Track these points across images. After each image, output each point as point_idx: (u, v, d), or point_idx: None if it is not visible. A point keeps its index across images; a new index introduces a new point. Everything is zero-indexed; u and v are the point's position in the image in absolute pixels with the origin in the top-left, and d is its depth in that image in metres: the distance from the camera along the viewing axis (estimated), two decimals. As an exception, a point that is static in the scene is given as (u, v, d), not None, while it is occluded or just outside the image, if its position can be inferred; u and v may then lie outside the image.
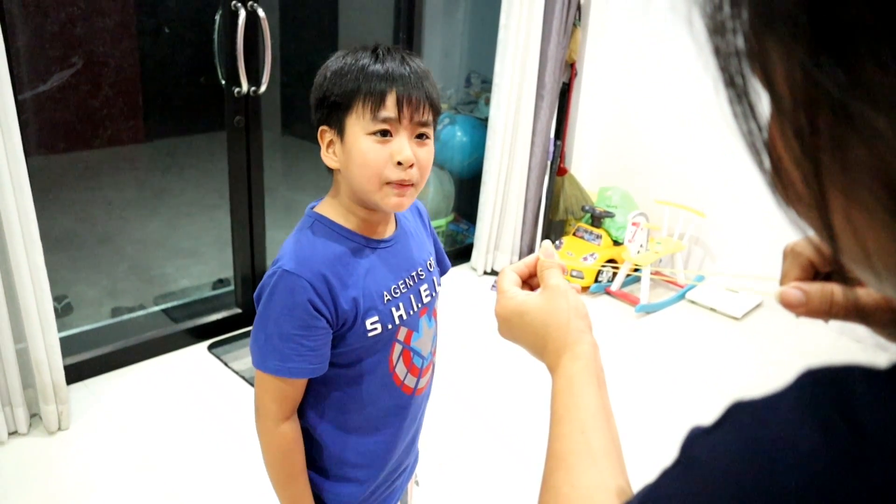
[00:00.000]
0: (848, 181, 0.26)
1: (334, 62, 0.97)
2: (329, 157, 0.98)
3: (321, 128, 0.98)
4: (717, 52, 0.28)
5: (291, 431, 1.02)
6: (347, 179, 0.97)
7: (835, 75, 0.24)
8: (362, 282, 0.98)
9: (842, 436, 0.27)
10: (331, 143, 0.97)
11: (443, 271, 1.22)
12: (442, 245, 1.25)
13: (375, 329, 0.99)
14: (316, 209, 1.03)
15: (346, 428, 1.06)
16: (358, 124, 0.93)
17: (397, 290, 1.02)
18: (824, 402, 0.29)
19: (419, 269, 1.07)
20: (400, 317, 1.02)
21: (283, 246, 0.99)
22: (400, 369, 1.06)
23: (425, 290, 1.08)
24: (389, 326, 1.01)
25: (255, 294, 1.00)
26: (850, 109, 0.24)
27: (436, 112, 0.98)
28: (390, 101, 0.92)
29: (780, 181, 0.29)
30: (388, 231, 1.05)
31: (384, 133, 0.93)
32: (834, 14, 0.24)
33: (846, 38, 0.24)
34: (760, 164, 0.29)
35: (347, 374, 1.03)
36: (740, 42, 0.27)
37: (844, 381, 0.29)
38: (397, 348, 1.04)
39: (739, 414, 0.32)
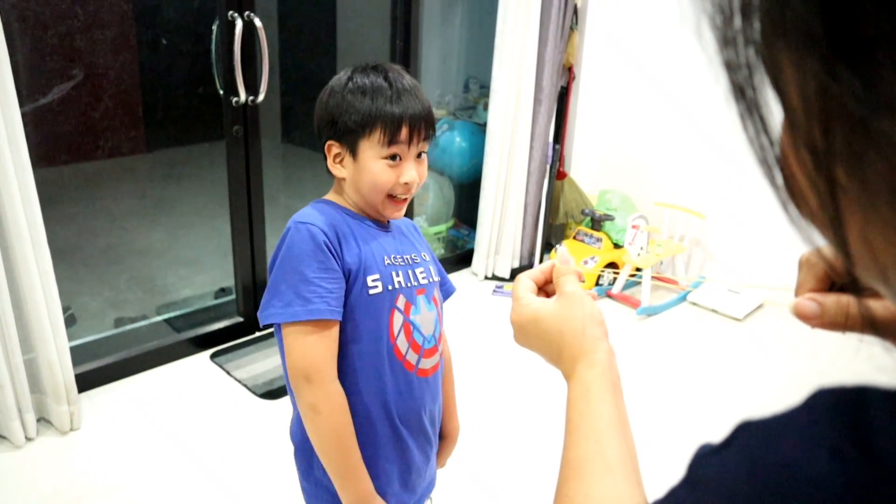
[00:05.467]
0: (865, 197, 0.25)
1: (350, 84, 1.06)
2: (337, 168, 1.09)
3: (329, 142, 1.08)
4: (728, 64, 0.27)
5: (341, 390, 1.04)
6: (355, 188, 1.09)
7: (852, 87, 0.23)
8: (364, 245, 1.08)
9: (853, 463, 0.26)
10: (338, 155, 1.08)
11: (446, 294, 1.25)
12: (442, 257, 1.27)
13: (376, 287, 1.06)
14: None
15: (358, 413, 1.07)
16: (372, 149, 1.05)
17: (396, 259, 1.11)
18: (836, 426, 0.28)
19: (414, 255, 1.16)
20: (399, 282, 1.09)
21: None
22: (401, 342, 1.10)
23: (422, 273, 1.15)
24: (389, 287, 1.08)
25: (270, 262, 1.06)
26: (868, 122, 0.23)
27: (433, 134, 1.11)
28: (404, 132, 1.04)
29: (792, 197, 0.28)
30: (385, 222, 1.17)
31: (394, 157, 1.05)
32: (851, 23, 0.22)
33: (864, 48, 0.22)
34: (772, 179, 0.28)
35: (353, 346, 1.06)
36: (752, 54, 0.26)
37: (858, 404, 0.28)
38: (397, 317, 1.09)
39: (748, 435, 0.31)
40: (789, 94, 0.26)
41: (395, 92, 1.04)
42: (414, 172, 1.07)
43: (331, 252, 1.02)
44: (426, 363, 1.14)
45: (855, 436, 0.27)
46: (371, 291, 1.05)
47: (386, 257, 1.09)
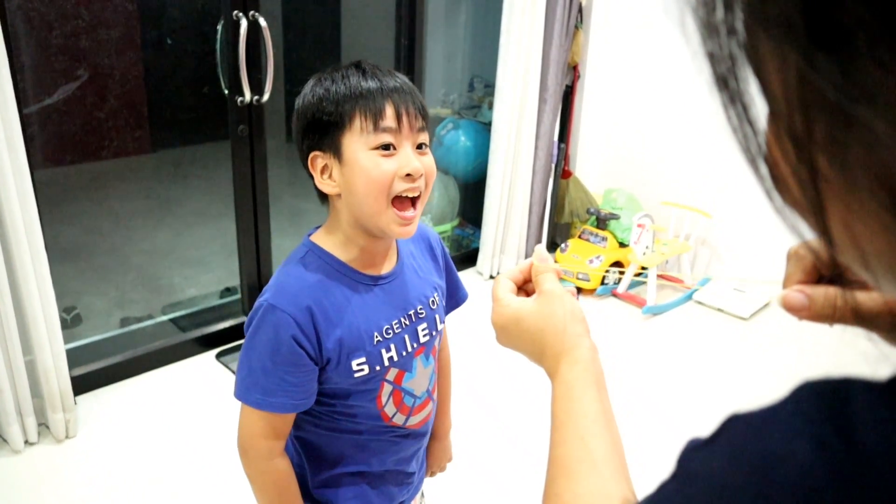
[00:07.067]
0: (846, 184, 0.25)
1: (319, 85, 0.94)
2: (326, 184, 0.94)
3: (312, 154, 0.94)
4: (711, 55, 0.28)
5: (285, 465, 0.99)
6: (350, 203, 0.93)
7: (831, 76, 0.23)
8: (351, 321, 0.95)
9: (837, 453, 0.27)
10: (325, 167, 0.94)
11: (458, 303, 1.19)
12: (454, 266, 1.19)
13: (362, 370, 0.96)
14: (312, 238, 1.00)
15: (333, 457, 1.04)
16: (358, 141, 0.90)
17: (389, 331, 0.99)
18: (820, 417, 0.28)
19: (418, 308, 1.03)
20: (390, 358, 0.99)
21: (275, 274, 0.99)
22: (389, 408, 1.03)
23: (423, 330, 1.03)
24: (377, 368, 0.98)
25: (245, 323, 0.98)
26: (847, 111, 0.23)
27: (427, 122, 0.97)
28: (389, 111, 0.90)
29: (776, 186, 0.28)
30: (388, 266, 1.02)
31: (387, 147, 0.90)
32: (829, 13, 0.23)
33: (842, 38, 0.23)
34: (756, 169, 0.29)
35: (333, 408, 1.01)
36: (734, 45, 0.27)
37: (842, 395, 0.28)
38: (387, 388, 1.01)
39: (735, 427, 0.32)
40: (771, 83, 0.26)
41: (368, 73, 0.93)
42: (416, 162, 0.91)
43: (301, 345, 0.91)
44: (414, 419, 1.06)
45: (838, 426, 0.27)
46: (356, 374, 0.96)
47: (377, 333, 0.97)
